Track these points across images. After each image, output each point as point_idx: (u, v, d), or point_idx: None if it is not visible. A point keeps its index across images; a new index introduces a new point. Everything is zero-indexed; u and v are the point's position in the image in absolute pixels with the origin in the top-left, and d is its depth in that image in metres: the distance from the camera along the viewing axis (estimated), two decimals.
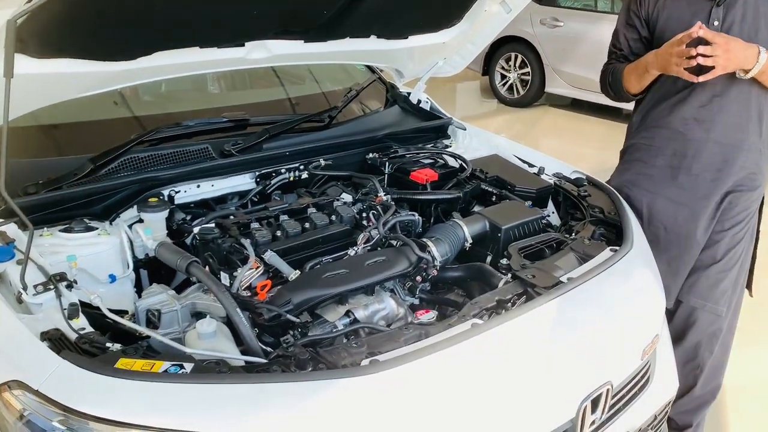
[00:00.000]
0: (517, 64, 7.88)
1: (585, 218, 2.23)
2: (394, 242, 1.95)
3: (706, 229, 2.30)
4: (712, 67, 1.99)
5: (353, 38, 2.35)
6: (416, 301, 1.94)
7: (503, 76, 8.09)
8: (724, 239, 2.31)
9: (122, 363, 1.31)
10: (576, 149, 6.74)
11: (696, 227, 2.30)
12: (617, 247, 1.94)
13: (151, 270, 1.94)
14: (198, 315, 1.71)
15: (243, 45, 2.10)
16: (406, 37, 2.52)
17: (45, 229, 1.80)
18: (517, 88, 7.98)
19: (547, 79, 7.58)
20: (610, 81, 2.44)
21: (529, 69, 7.73)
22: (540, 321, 1.59)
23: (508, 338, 1.52)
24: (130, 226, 1.94)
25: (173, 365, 1.32)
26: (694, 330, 2.39)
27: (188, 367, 1.32)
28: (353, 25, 2.24)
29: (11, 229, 1.71)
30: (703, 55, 1.97)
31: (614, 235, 2.09)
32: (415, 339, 1.51)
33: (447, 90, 9.39)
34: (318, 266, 1.83)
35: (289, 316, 1.57)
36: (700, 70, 2.01)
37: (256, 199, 2.29)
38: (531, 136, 7.52)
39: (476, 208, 2.44)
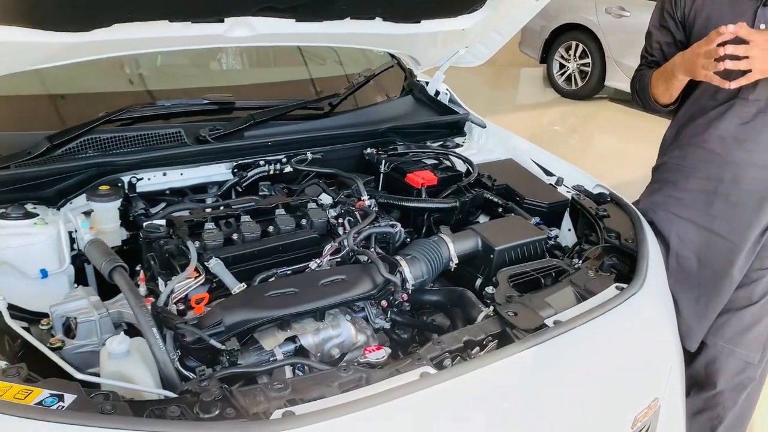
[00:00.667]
0: (578, 54, 7.40)
1: (599, 242, 1.93)
2: (363, 257, 1.70)
3: (744, 265, 2.00)
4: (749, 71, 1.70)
5: (354, 19, 2.09)
6: (387, 325, 1.70)
7: (562, 66, 7.63)
8: (763, 278, 2.02)
9: None
10: (631, 148, 6.28)
11: (732, 262, 1.99)
12: (625, 285, 1.64)
13: None
14: (132, 327, 1.52)
15: (222, 21, 1.88)
16: (419, 21, 2.24)
17: None
18: (575, 79, 7.51)
19: (608, 71, 7.09)
20: (638, 88, 2.17)
21: (589, 60, 7.24)
22: (507, 375, 1.32)
23: (462, 395, 1.27)
24: (85, 214, 1.77)
25: (52, 396, 1.13)
26: (718, 377, 2.09)
27: (68, 399, 1.13)
28: (351, 4, 1.98)
29: None
30: (736, 57, 1.68)
31: (627, 267, 1.79)
32: (353, 384, 1.27)
33: (510, 76, 9.00)
34: (269, 280, 1.60)
35: (212, 342, 1.35)
36: (732, 74, 1.73)
37: (241, 191, 2.09)
38: (585, 131, 7.08)
39: (481, 220, 2.18)
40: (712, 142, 1.96)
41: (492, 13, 2.27)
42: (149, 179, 1.92)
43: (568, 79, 7.60)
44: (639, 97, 2.18)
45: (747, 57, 1.67)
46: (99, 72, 2.22)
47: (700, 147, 2.00)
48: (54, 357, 1.25)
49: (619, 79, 7.03)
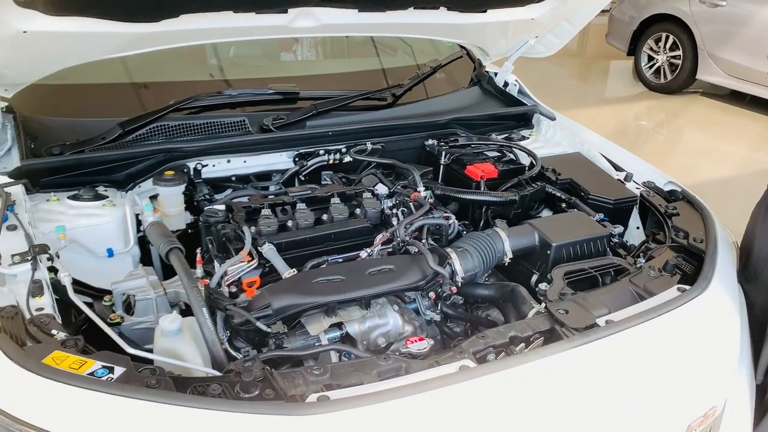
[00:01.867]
0: (668, 46, 7.05)
1: (666, 242, 1.83)
2: (413, 248, 1.69)
3: None
4: None
5: (418, 9, 2.08)
6: (438, 317, 1.69)
7: (650, 58, 7.28)
8: None
9: (53, 357, 1.20)
10: (722, 146, 5.93)
11: None
12: (687, 287, 1.55)
13: None
14: (189, 308, 1.58)
15: (286, 11, 1.91)
16: (485, 11, 2.19)
17: (52, 194, 1.75)
18: (664, 72, 7.16)
19: (700, 64, 6.71)
20: None
21: (680, 52, 6.88)
22: (551, 374, 1.28)
23: (500, 391, 1.24)
24: (152, 198, 1.85)
25: (103, 367, 1.19)
26: None
27: (118, 372, 1.19)
28: None
29: (17, 191, 1.67)
30: None
31: (694, 268, 1.69)
32: (391, 373, 1.27)
33: (599, 69, 8.72)
34: (319, 267, 1.62)
35: (258, 324, 1.38)
36: None
37: (304, 179, 2.13)
38: (674, 127, 6.73)
39: (544, 214, 2.12)
40: None
41: (562, 2, 2.20)
42: (214, 166, 1.98)
43: (657, 72, 7.25)
44: None
45: None
46: (173, 61, 2.31)
47: None
48: (108, 331, 1.32)
49: (712, 72, 6.64)
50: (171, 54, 2.23)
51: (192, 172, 1.95)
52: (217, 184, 2.02)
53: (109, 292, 1.57)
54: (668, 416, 1.30)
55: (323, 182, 2.13)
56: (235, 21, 1.86)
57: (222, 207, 1.77)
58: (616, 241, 1.91)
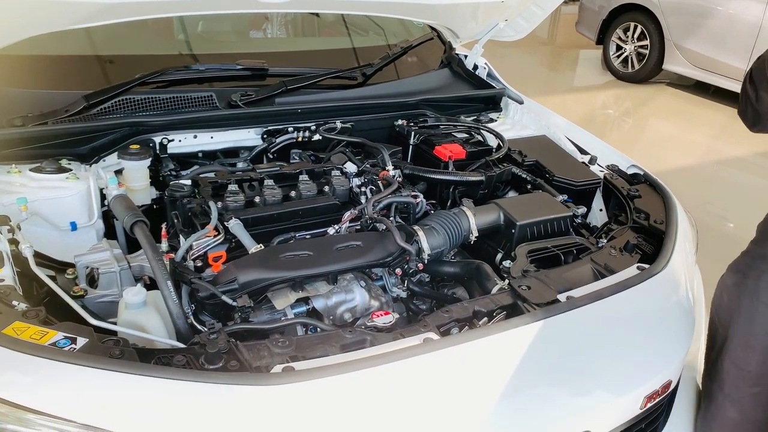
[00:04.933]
0: (636, 36, 7.15)
1: (627, 222, 1.88)
2: (381, 226, 1.71)
3: None
4: None
5: None
6: (404, 294, 1.71)
7: (619, 48, 7.39)
8: None
9: (14, 327, 1.19)
10: (686, 135, 6.06)
11: None
12: (647, 266, 1.60)
13: None
14: (153, 281, 1.57)
15: None
16: None
17: (14, 165, 1.71)
18: (632, 62, 7.27)
19: (667, 55, 6.82)
20: (749, 92, 1.50)
21: (648, 42, 6.99)
22: (512, 347, 1.31)
23: (463, 362, 1.26)
24: (117, 172, 1.83)
25: (65, 338, 1.18)
26: None
27: (80, 342, 1.18)
28: None
29: None
30: None
31: (654, 248, 1.74)
32: (356, 346, 1.28)
33: (568, 58, 8.81)
34: (286, 242, 1.63)
35: (224, 297, 1.39)
36: None
37: (273, 156, 2.12)
38: (640, 116, 6.85)
39: (510, 195, 2.15)
40: None
41: None
42: (180, 141, 1.96)
43: (625, 61, 7.35)
44: (749, 103, 1.51)
45: None
46: (140, 35, 2.27)
47: None
48: (71, 302, 1.31)
49: (678, 63, 6.76)
50: (138, 27, 2.19)
51: (158, 147, 1.93)
52: (184, 161, 2.00)
53: (72, 266, 1.55)
54: (626, 389, 1.34)
55: (292, 160, 2.13)
56: None
57: (188, 182, 1.76)
58: (579, 221, 1.95)
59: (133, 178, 1.80)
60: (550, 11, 2.39)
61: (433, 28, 2.73)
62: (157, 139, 1.92)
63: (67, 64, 2.08)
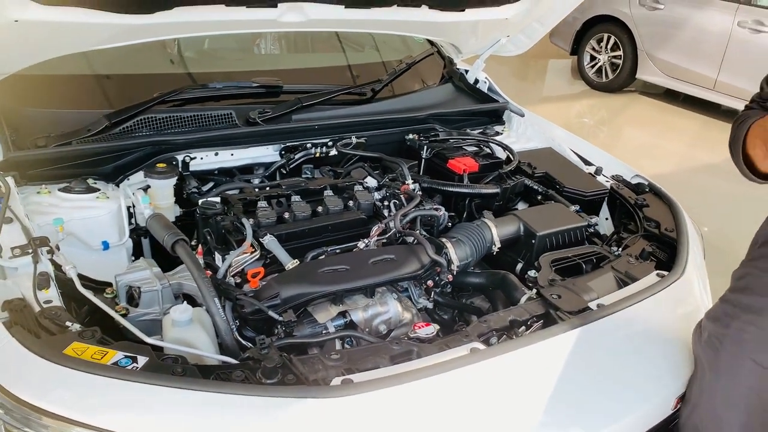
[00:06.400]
0: (609, 46, 7.35)
1: (638, 231, 1.96)
2: (409, 239, 1.75)
3: None
4: None
5: (401, 6, 2.13)
6: (430, 305, 1.76)
7: (593, 58, 7.57)
8: None
9: (74, 348, 1.21)
10: (661, 143, 6.24)
11: None
12: (666, 273, 1.67)
13: (153, 239, 1.84)
14: (189, 298, 1.59)
15: (275, 6, 1.93)
16: (463, 10, 2.27)
17: (43, 186, 1.72)
18: (606, 71, 7.46)
19: (640, 64, 7.02)
20: (731, 138, 1.49)
21: (621, 52, 7.18)
22: (554, 353, 1.37)
23: (510, 370, 1.32)
24: (137, 191, 1.84)
25: (126, 357, 1.20)
26: None
27: (141, 361, 1.20)
28: None
29: (8, 182, 1.63)
30: None
31: (667, 255, 1.82)
32: (404, 358, 1.33)
33: (538, 67, 8.97)
34: (320, 257, 1.66)
35: (270, 313, 1.42)
36: None
37: (285, 172, 2.15)
38: (615, 124, 7.03)
39: (520, 206, 2.22)
40: None
41: (535, 3, 2.29)
42: (202, 158, 1.99)
43: (599, 71, 7.54)
44: (731, 148, 1.49)
45: None
46: (151, 54, 2.28)
47: None
48: (125, 323, 1.32)
49: (651, 72, 6.96)
50: (150, 47, 2.21)
51: (180, 165, 1.95)
52: (201, 177, 2.03)
53: (109, 285, 1.56)
54: (658, 390, 1.40)
55: (304, 175, 2.16)
56: (227, 14, 1.86)
57: (217, 199, 1.78)
58: (592, 231, 2.02)
59: (159, 196, 1.82)
60: (551, 27, 2.48)
61: (432, 44, 2.80)
62: (180, 157, 1.94)
63: (86, 84, 2.09)
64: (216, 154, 2.01)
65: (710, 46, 6.28)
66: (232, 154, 2.05)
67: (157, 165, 1.83)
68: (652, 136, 6.48)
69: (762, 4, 5.97)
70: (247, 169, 2.13)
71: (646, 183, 2.20)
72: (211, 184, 2.02)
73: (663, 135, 6.47)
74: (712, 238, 4.39)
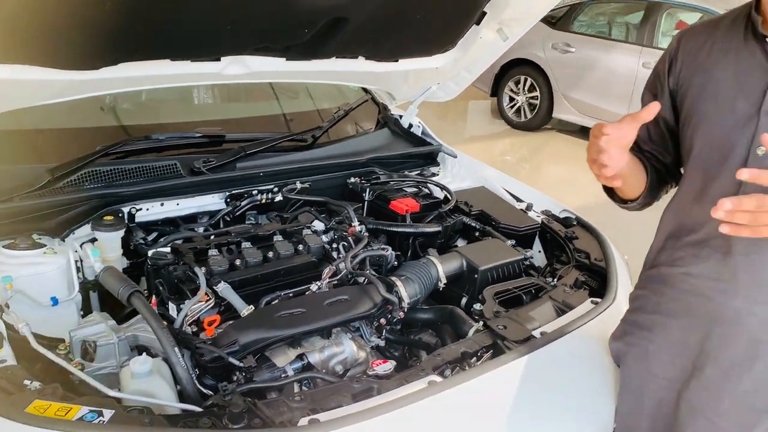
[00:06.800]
0: (526, 88, 7.76)
1: (570, 262, 2.10)
2: (360, 279, 1.82)
3: None
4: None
5: (340, 58, 2.24)
6: (382, 343, 1.82)
7: (512, 99, 7.97)
8: None
9: (36, 406, 1.20)
10: (578, 177, 6.59)
11: None
12: (599, 300, 1.81)
13: (102, 293, 1.82)
14: (145, 349, 1.59)
15: (219, 59, 1.99)
16: (397, 60, 2.40)
17: None
18: (524, 112, 7.86)
19: (556, 104, 7.45)
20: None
21: (537, 93, 7.60)
22: (505, 381, 1.46)
23: (466, 399, 1.39)
24: (83, 245, 1.83)
25: (91, 411, 1.20)
26: None
27: (107, 414, 1.20)
28: (339, 46, 2.12)
29: None
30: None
31: (598, 283, 1.96)
32: (365, 395, 1.38)
33: (458, 108, 9.32)
34: (274, 302, 1.70)
35: (230, 360, 1.44)
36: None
37: (229, 219, 2.18)
38: (536, 161, 7.39)
39: (459, 243, 2.33)
40: (690, 281, 1.37)
41: (463, 53, 2.45)
42: (147, 209, 2.00)
43: (518, 111, 7.93)
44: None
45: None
46: (91, 107, 2.28)
47: (672, 286, 1.41)
48: (87, 378, 1.32)
49: (565, 111, 7.39)
50: (91, 99, 2.21)
51: (126, 217, 1.95)
52: (146, 228, 2.03)
53: (61, 340, 1.55)
54: (603, 411, 1.51)
55: (248, 222, 2.20)
56: (171, 68, 1.91)
57: (168, 249, 1.80)
58: (527, 263, 2.15)
59: (107, 249, 1.81)
60: (477, 75, 2.64)
61: (367, 91, 2.92)
62: (126, 209, 1.94)
63: (26, 139, 2.07)
64: (162, 205, 2.03)
65: (619, 86, 6.74)
66: (177, 204, 2.06)
67: (104, 218, 1.83)
68: (570, 171, 6.84)
69: (663, 47, 6.50)
70: (191, 218, 2.14)
71: (573, 216, 2.36)
72: (155, 234, 2.03)
73: (580, 169, 6.80)
74: (634, 264, 4.68)
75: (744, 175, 1.02)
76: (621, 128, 1.24)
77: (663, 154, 1.48)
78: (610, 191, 1.53)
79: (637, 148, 1.40)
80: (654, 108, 1.23)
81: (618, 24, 7.46)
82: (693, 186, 1.35)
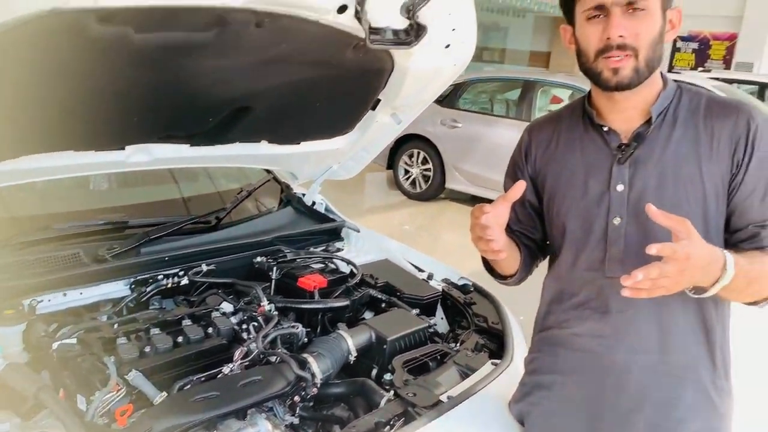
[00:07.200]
0: (420, 161, 8.15)
1: (470, 327, 2.24)
2: (272, 358, 1.86)
3: None
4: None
5: (243, 143, 2.33)
6: (296, 420, 1.84)
7: (407, 171, 8.32)
8: None
9: None
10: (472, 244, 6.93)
11: None
12: (498, 361, 1.94)
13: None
14: None
15: (123, 148, 2.03)
16: (299, 143, 2.53)
17: None
18: (419, 183, 8.21)
19: (447, 175, 7.85)
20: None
21: (430, 165, 7.99)
22: None
23: None
24: None
25: None
26: None
27: None
28: (242, 132, 2.23)
29: None
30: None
31: (497, 345, 2.11)
32: None
33: (356, 181, 9.56)
34: (187, 387, 1.71)
35: None
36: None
37: (132, 306, 2.16)
38: (433, 229, 7.69)
39: (367, 315, 2.41)
40: (576, 339, 1.54)
41: (361, 135, 2.62)
42: (50, 300, 1.95)
43: (413, 182, 8.28)
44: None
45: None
46: None
47: (562, 346, 1.58)
48: None
49: (457, 181, 7.81)
50: None
51: (27, 309, 1.90)
52: (48, 319, 1.98)
53: None
54: None
55: (152, 307, 2.18)
56: (76, 159, 1.93)
57: (74, 341, 1.77)
58: (432, 331, 2.27)
59: (8, 344, 1.75)
60: (376, 154, 2.82)
61: (268, 171, 3.02)
62: (26, 302, 1.89)
63: None
64: (64, 295, 1.99)
65: (503, 157, 6.97)
66: (81, 293, 2.03)
67: (5, 312, 1.78)
68: (465, 237, 6.97)
69: None
70: (94, 307, 2.11)
71: (471, 283, 2.52)
72: (55, 325, 1.98)
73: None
74: (528, 323, 4.94)
75: (653, 250, 1.16)
76: (497, 207, 1.39)
77: (531, 232, 1.66)
78: (490, 269, 1.68)
79: (509, 230, 1.54)
80: (520, 186, 1.39)
81: (499, 101, 8.10)
82: (567, 256, 1.53)
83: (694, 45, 24.28)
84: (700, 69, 20.52)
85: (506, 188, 1.57)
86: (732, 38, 23.12)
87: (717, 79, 10.36)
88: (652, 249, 1.16)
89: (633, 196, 1.40)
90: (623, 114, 1.43)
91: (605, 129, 1.45)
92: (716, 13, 22.96)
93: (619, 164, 1.42)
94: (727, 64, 24.27)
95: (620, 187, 1.42)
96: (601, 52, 1.34)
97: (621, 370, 1.47)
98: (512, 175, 1.66)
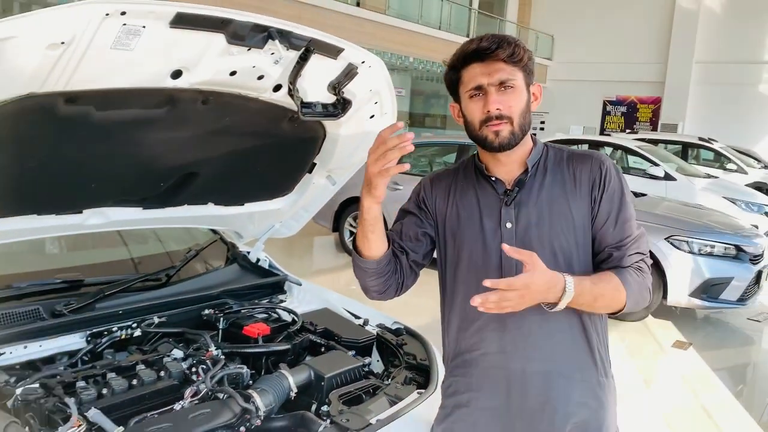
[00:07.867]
0: None
1: (401, 364, 2.49)
2: (220, 395, 2.06)
3: None
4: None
5: (191, 205, 2.58)
6: None
7: (352, 233, 8.61)
8: None
9: None
10: (414, 300, 7.18)
11: None
12: (423, 390, 2.19)
13: None
14: None
15: (81, 212, 2.25)
16: (243, 204, 2.80)
17: None
18: None
19: None
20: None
21: None
22: None
23: None
24: None
25: None
26: None
27: None
28: (190, 195, 2.48)
29: None
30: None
31: (424, 378, 2.36)
32: None
33: (304, 245, 9.79)
34: (143, 421, 1.89)
35: None
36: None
37: (87, 359, 2.33)
38: None
39: (307, 359, 2.63)
40: (487, 357, 1.79)
41: (300, 196, 2.91)
42: (11, 353, 2.12)
43: None
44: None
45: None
46: None
47: (473, 366, 1.83)
48: None
49: None
50: None
51: None
52: (7, 370, 2.13)
53: None
54: None
55: (106, 360, 2.36)
56: (37, 222, 2.14)
57: (36, 385, 1.94)
58: (367, 369, 2.50)
59: None
60: (315, 212, 3.10)
61: (215, 231, 3.25)
62: None
63: None
64: (25, 347, 2.16)
65: None
66: (40, 345, 2.20)
67: None
68: (409, 296, 7.41)
69: None
70: (50, 360, 2.27)
71: (403, 327, 2.79)
72: (13, 379, 2.13)
73: (415, 293, 7.45)
74: None
75: (488, 283, 1.47)
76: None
77: (408, 250, 1.86)
78: (355, 247, 1.82)
79: (393, 242, 1.81)
80: (399, 125, 1.58)
81: (437, 164, 8.56)
82: (467, 286, 1.81)
83: (623, 108, 25.91)
84: (628, 131, 21.86)
85: (398, 218, 1.91)
86: (657, 102, 24.82)
87: (642, 140, 11.21)
88: (487, 282, 1.47)
89: (519, 231, 1.70)
90: (506, 167, 1.77)
91: (493, 179, 1.78)
92: (641, 78, 24.77)
93: (506, 206, 1.72)
94: (653, 125, 25.80)
95: (509, 225, 1.71)
96: (484, 122, 1.68)
97: (522, 378, 1.73)
98: (414, 207, 1.89)
